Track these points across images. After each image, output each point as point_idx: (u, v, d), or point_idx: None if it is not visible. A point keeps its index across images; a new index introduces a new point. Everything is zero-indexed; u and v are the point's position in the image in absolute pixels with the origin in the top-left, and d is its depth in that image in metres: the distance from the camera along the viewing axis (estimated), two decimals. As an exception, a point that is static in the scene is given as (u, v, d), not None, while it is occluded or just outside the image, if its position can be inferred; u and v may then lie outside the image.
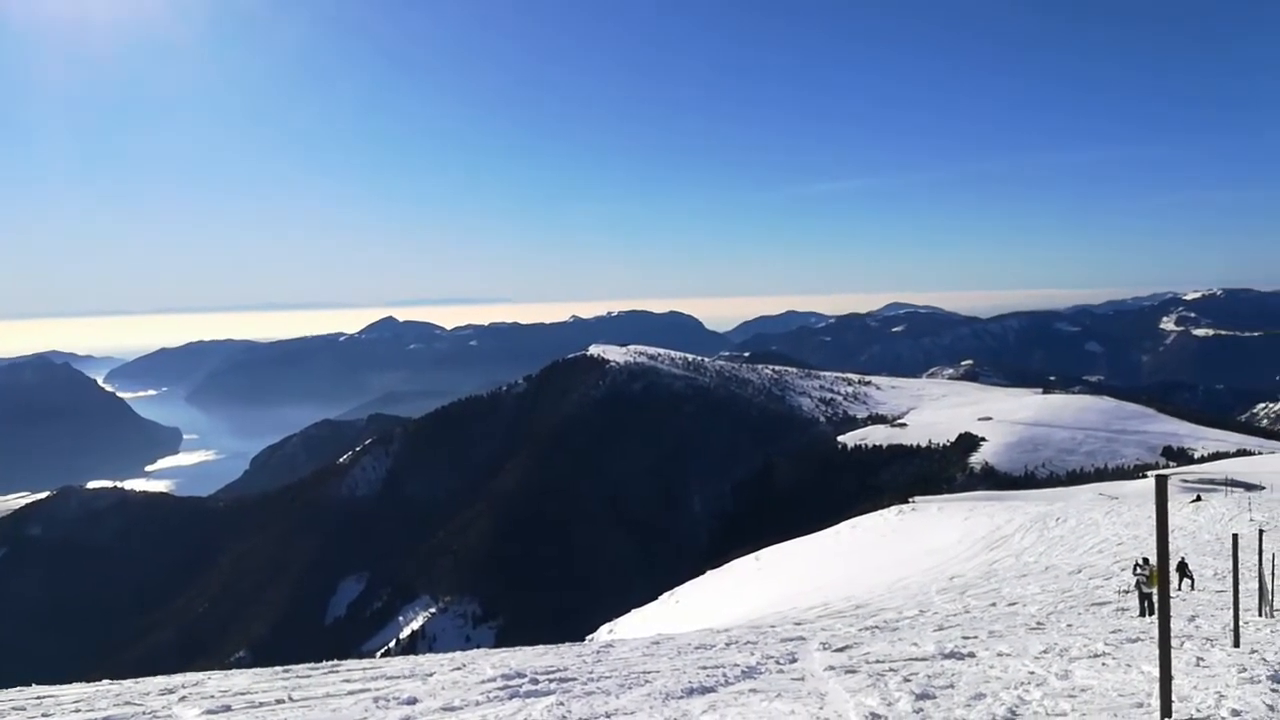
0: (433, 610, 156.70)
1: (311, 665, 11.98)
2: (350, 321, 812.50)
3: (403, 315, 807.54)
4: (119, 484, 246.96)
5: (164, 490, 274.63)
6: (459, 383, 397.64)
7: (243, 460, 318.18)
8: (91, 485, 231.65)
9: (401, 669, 11.33)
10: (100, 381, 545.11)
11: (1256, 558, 18.59)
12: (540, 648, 14.61)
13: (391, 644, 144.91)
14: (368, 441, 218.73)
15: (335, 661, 12.62)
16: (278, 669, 11.57)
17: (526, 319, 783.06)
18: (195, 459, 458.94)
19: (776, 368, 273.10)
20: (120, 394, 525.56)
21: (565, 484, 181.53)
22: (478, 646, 18.24)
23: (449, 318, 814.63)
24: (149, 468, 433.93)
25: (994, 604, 23.22)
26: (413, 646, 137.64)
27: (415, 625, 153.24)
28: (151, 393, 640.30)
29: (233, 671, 11.49)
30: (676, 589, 62.10)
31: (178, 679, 10.76)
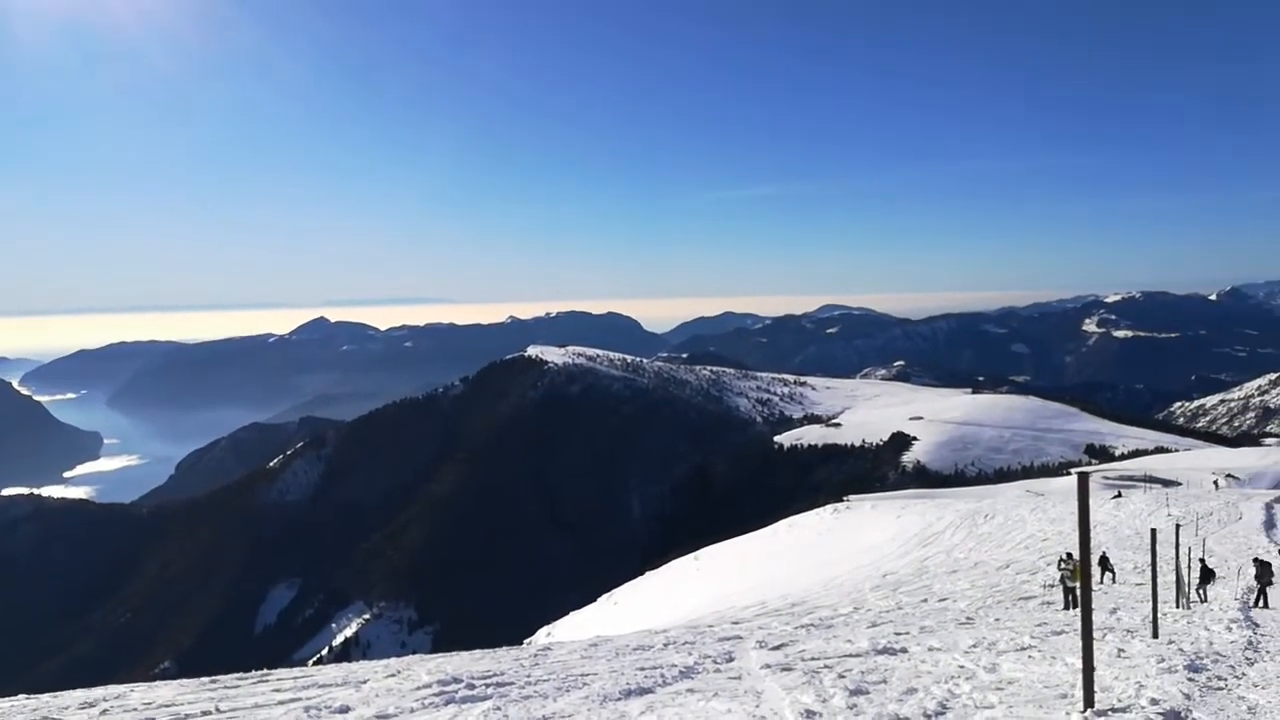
0: (367, 616, 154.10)
1: (240, 675, 11.66)
2: (281, 322, 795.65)
3: (335, 316, 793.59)
4: (35, 491, 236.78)
5: (84, 497, 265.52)
6: (394, 385, 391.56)
7: (168, 465, 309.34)
8: (6, 493, 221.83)
9: (334, 677, 11.08)
10: (15, 384, 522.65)
11: (1174, 552, 19.30)
12: (477, 652, 14.45)
13: (324, 652, 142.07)
14: (299, 445, 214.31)
15: (265, 671, 12.29)
16: (204, 680, 11.22)
17: (463, 320, 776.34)
18: (117, 464, 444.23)
19: (714, 369, 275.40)
20: (37, 397, 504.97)
21: (503, 486, 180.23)
22: (414, 652, 17.96)
23: (383, 318, 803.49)
24: (68, 474, 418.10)
25: (925, 600, 23.70)
26: (346, 654, 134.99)
27: (349, 632, 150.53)
28: (70, 396, 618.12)
29: (157, 683, 11.10)
30: (615, 590, 62.00)
31: (98, 692, 10.37)
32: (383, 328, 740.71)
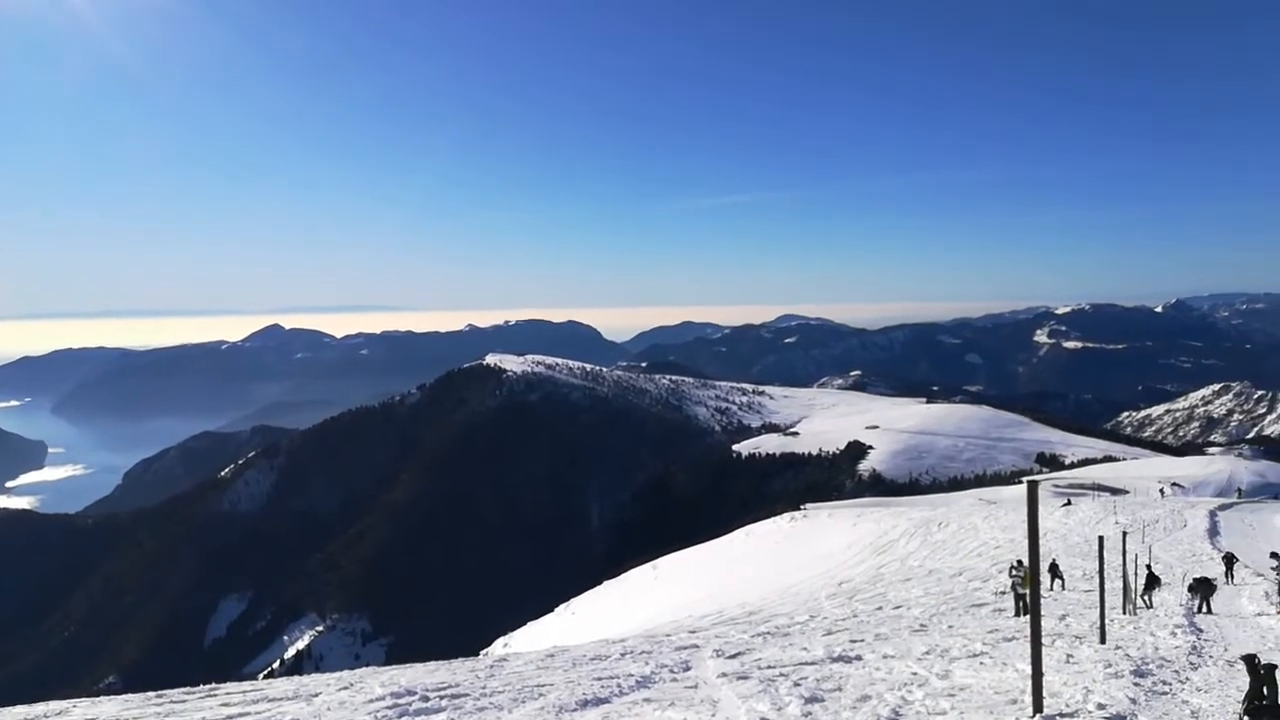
0: (320, 628, 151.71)
1: (187, 689, 11.41)
2: (233, 329, 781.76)
3: (289, 323, 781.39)
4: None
5: (26, 507, 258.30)
6: (349, 393, 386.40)
7: (114, 475, 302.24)
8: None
9: (284, 690, 10.89)
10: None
11: (1121, 559, 19.71)
12: (432, 664, 14.29)
13: (275, 665, 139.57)
14: (251, 454, 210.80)
15: (213, 685, 12.05)
16: (150, 694, 10.97)
17: (421, 327, 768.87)
18: (62, 474, 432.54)
19: (673, 378, 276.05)
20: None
21: (460, 496, 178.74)
22: (367, 665, 17.71)
23: (339, 325, 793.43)
24: (10, 484, 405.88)
25: (880, 608, 23.92)
26: (298, 666, 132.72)
27: (301, 644, 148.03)
28: (14, 403, 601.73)
29: (101, 699, 10.82)
30: (573, 600, 61.78)
31: (40, 708, 10.08)
32: (338, 335, 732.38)
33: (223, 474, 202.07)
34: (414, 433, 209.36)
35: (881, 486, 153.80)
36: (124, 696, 10.91)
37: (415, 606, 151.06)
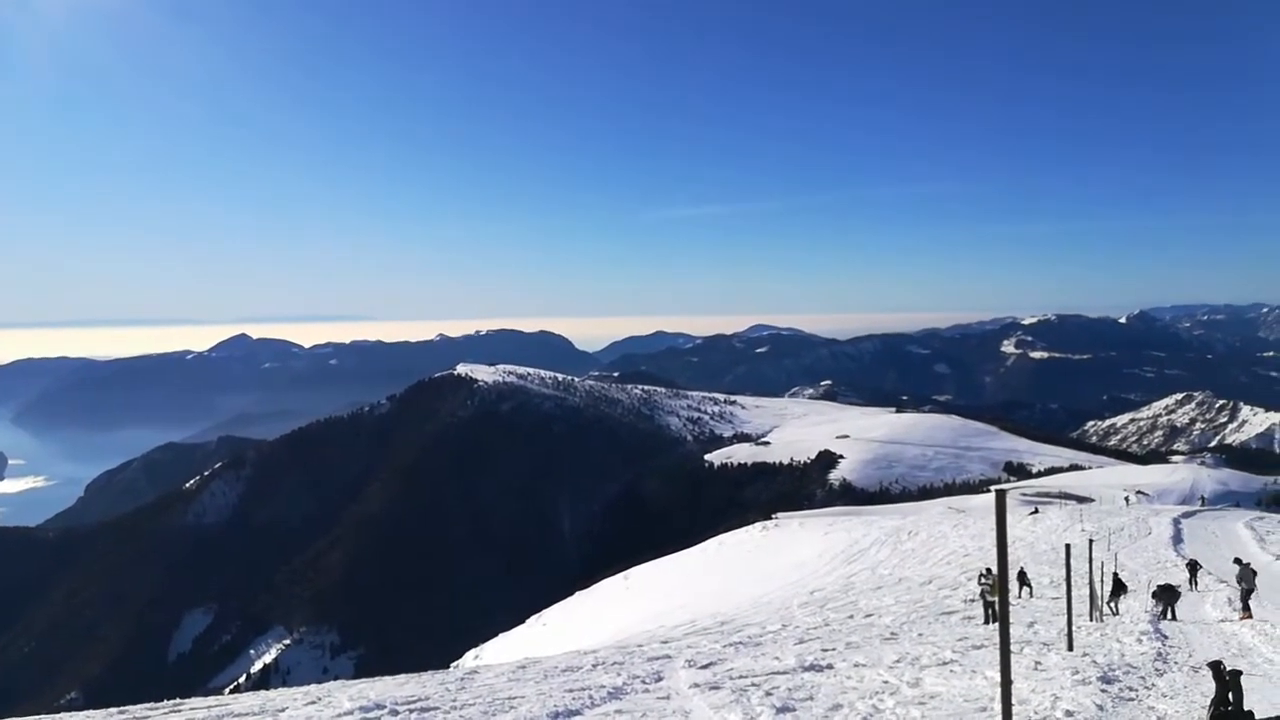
0: (287, 641, 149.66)
1: (151, 705, 11.22)
2: (199, 339, 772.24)
3: (257, 332, 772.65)
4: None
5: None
6: (318, 403, 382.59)
7: (76, 487, 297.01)
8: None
9: (250, 705, 10.73)
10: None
11: (1087, 566, 19.96)
12: (402, 677, 14.15)
13: (241, 679, 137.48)
14: (217, 465, 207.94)
15: (177, 700, 11.85)
16: (113, 710, 10.77)
17: (390, 337, 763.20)
18: (22, 486, 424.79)
19: (645, 387, 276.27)
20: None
21: (431, 507, 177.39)
22: (336, 678, 17.48)
23: (307, 335, 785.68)
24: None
25: (851, 616, 24.02)
26: (265, 681, 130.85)
27: (268, 658, 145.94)
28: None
29: (63, 714, 10.61)
30: (545, 611, 61.45)
31: (-5, 727, 9.86)
32: (307, 345, 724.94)
33: (188, 486, 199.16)
34: (384, 443, 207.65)
35: (852, 495, 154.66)
36: (86, 712, 10.70)
37: (385, 619, 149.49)
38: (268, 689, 13.65)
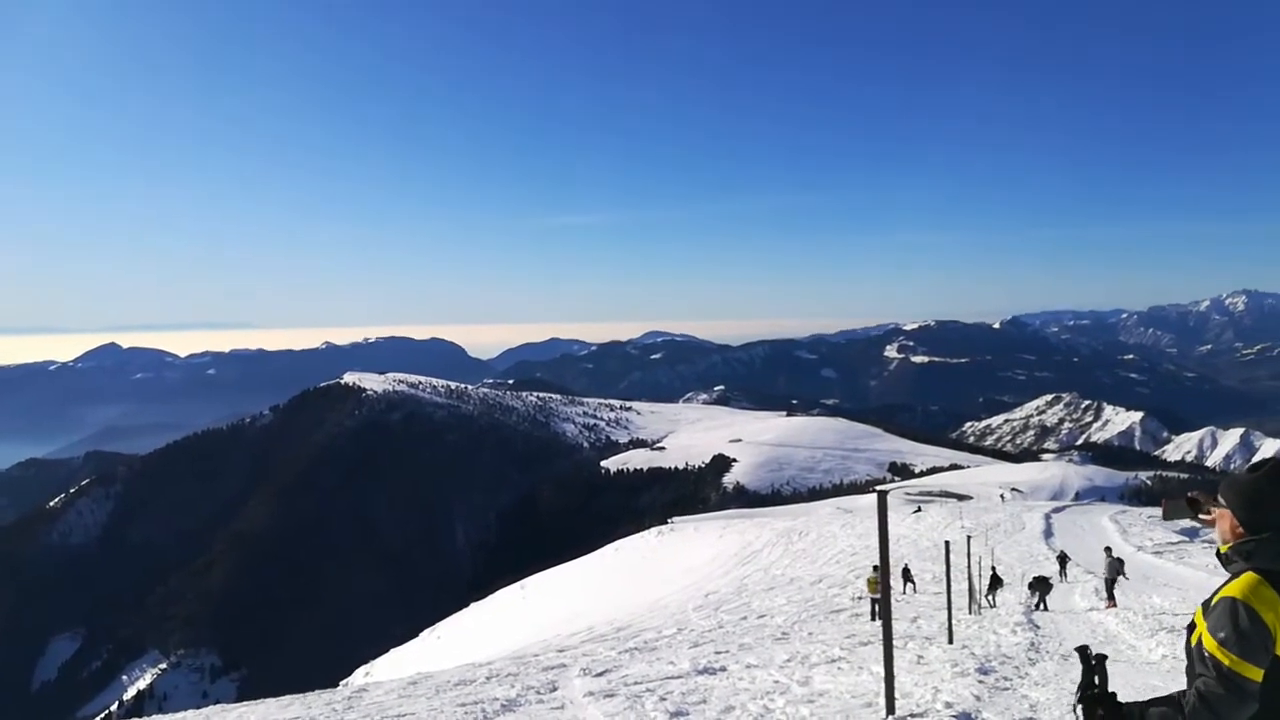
0: (163, 666, 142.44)
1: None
2: (64, 348, 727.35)
3: (127, 341, 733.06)
4: None
5: None
6: (195, 415, 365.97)
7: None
8: None
9: (118, 738, 10.13)
10: None
11: (966, 562, 20.79)
12: (286, 698, 13.59)
13: (114, 707, 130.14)
14: (84, 482, 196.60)
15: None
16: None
17: (274, 345, 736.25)
18: None
19: (541, 395, 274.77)
20: None
21: (317, 521, 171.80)
22: (216, 702, 16.70)
23: (183, 344, 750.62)
24: None
25: (745, 617, 24.35)
26: (140, 708, 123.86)
27: (142, 684, 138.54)
28: None
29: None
30: (438, 625, 60.30)
31: None
32: (183, 354, 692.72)
33: (51, 504, 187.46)
34: (266, 456, 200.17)
35: (745, 498, 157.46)
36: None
37: (270, 638, 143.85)
38: (141, 716, 12.95)
